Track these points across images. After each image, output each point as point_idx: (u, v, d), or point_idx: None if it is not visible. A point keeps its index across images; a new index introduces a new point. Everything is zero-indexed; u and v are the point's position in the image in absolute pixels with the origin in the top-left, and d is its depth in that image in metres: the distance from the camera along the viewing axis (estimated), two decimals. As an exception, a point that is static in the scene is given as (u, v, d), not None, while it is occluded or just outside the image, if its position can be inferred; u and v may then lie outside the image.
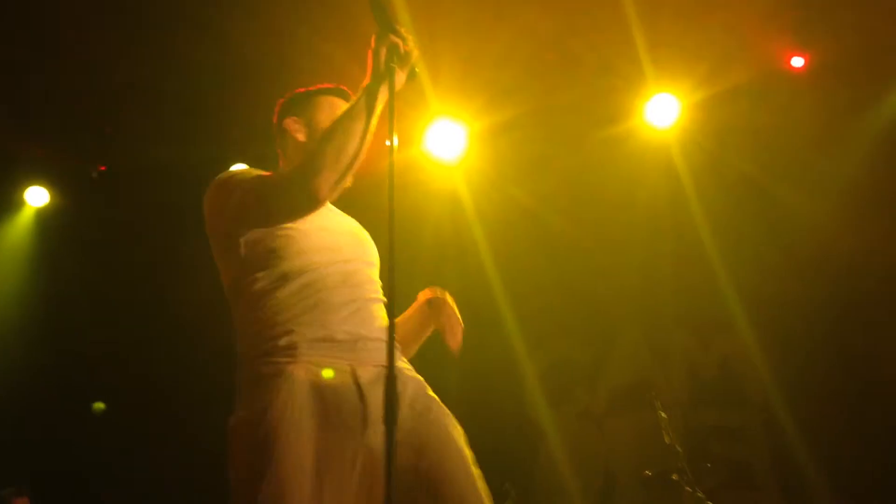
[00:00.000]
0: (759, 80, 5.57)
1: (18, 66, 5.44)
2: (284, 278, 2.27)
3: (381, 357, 2.23)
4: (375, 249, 2.51)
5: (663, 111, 5.73)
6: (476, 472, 2.22)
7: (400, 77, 2.27)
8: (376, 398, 2.13)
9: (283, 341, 2.19)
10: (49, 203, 6.65)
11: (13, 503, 5.24)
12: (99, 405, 6.15)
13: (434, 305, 2.55)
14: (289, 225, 2.31)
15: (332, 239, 2.39)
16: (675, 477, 4.51)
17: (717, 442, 5.57)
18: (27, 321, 6.58)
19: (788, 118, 5.51)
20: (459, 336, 2.50)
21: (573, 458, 5.89)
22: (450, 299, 2.55)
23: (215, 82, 5.52)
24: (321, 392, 2.15)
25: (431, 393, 2.32)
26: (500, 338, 6.00)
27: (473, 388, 5.53)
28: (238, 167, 2.71)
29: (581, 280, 6.06)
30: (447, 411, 2.30)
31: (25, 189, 6.60)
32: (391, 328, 1.88)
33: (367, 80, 2.27)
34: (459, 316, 2.53)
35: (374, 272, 2.46)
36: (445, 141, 5.93)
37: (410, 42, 2.28)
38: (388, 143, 2.12)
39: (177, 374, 6.33)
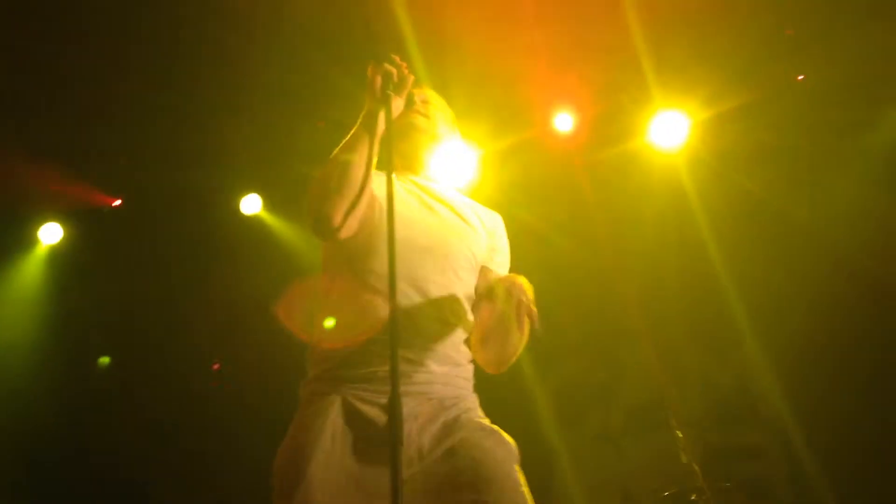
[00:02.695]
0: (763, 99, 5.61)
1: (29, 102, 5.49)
2: None
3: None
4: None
5: (670, 130, 5.76)
6: None
7: (397, 104, 2.37)
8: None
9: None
10: (62, 239, 6.55)
11: None
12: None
13: (500, 290, 2.35)
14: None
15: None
16: (693, 497, 4.50)
17: (736, 460, 5.55)
18: (40, 363, 6.44)
19: (790, 137, 5.57)
20: (526, 326, 2.32)
21: (589, 479, 5.86)
22: (525, 283, 2.32)
23: (231, 111, 5.61)
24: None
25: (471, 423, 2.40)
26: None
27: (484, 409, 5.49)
28: None
29: (589, 299, 6.06)
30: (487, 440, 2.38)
31: (39, 227, 6.51)
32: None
33: (365, 108, 2.36)
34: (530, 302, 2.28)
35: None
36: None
37: (405, 70, 2.37)
38: (388, 172, 2.19)
39: (199, 409, 6.30)
